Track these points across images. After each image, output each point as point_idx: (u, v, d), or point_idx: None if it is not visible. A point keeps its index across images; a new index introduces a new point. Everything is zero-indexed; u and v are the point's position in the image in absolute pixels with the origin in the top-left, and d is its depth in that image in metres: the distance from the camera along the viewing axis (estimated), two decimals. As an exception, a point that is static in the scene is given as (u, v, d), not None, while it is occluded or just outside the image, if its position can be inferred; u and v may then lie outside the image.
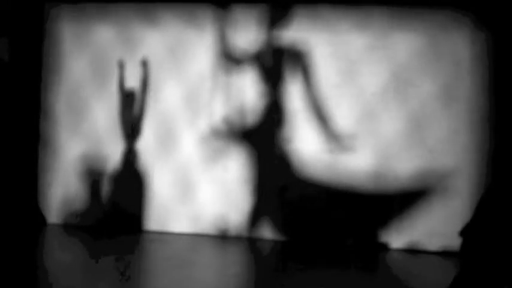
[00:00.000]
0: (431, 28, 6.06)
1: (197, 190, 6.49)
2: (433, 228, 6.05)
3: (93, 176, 6.63)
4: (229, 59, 6.37)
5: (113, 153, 6.61)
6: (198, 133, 6.45)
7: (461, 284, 4.35)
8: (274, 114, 6.29)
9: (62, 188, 6.72)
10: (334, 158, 6.20)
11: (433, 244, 6.07)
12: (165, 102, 6.54)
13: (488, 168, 5.95)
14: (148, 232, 6.51)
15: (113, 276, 4.84)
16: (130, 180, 6.58)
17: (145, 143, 6.57)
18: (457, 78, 6.03)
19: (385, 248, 6.12)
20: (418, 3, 6.05)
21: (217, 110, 6.41)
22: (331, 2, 6.19)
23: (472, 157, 6.02)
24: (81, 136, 6.69)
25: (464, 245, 5.79)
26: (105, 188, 6.63)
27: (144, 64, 6.53)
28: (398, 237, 6.13)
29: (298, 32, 6.26)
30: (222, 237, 6.37)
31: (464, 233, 5.77)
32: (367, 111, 6.18)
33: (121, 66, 6.58)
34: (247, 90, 6.35)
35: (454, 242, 5.85)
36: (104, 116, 6.65)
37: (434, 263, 5.73)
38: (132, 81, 6.57)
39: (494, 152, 5.96)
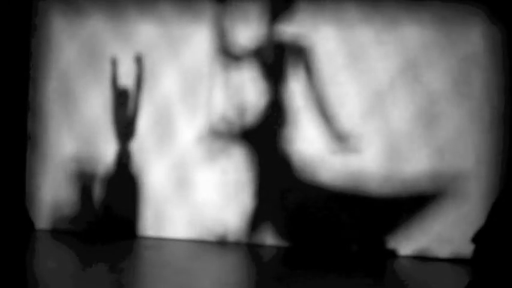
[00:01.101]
0: (441, 21, 5.97)
1: (195, 193, 6.41)
2: (443, 234, 5.98)
3: (84, 178, 6.57)
4: (229, 55, 6.31)
5: (106, 155, 6.54)
6: (195, 133, 6.39)
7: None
8: (275, 113, 6.23)
9: (52, 191, 6.65)
10: (338, 159, 6.13)
11: (444, 250, 6.00)
12: (161, 100, 6.46)
13: (502, 171, 5.89)
14: (144, 238, 6.44)
15: (104, 284, 4.80)
16: (124, 182, 6.52)
17: (140, 144, 6.51)
18: (469, 75, 5.94)
19: (392, 254, 6.06)
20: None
21: (216, 109, 6.35)
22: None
23: (485, 158, 5.93)
24: (72, 136, 6.61)
25: (476, 251, 5.65)
26: (98, 191, 6.57)
27: (139, 60, 6.47)
28: (406, 244, 6.05)
29: (300, 27, 6.18)
30: (221, 243, 6.31)
31: (477, 239, 5.63)
32: (373, 109, 6.10)
33: (114, 62, 6.52)
34: (247, 88, 6.29)
35: (465, 248, 5.88)
36: (96, 115, 6.57)
37: (444, 271, 5.67)
38: (126, 78, 6.51)
39: (508, 153, 5.88)
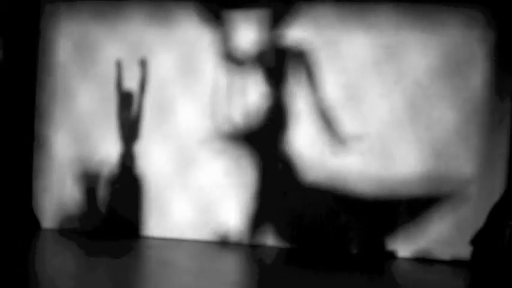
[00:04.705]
0: (440, 26, 5.95)
1: (197, 194, 6.40)
2: (442, 236, 5.95)
3: (89, 179, 6.56)
4: (232, 60, 6.30)
5: (110, 156, 6.54)
6: (198, 135, 6.38)
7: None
8: (277, 116, 6.22)
9: (57, 191, 6.66)
10: (339, 162, 6.10)
11: (443, 253, 5.96)
12: (166, 104, 6.46)
13: (502, 174, 5.84)
14: (147, 238, 6.44)
15: (107, 283, 4.80)
16: (128, 184, 6.52)
17: (144, 146, 6.50)
18: (468, 79, 5.91)
19: (392, 256, 6.03)
20: (426, 0, 5.94)
21: (218, 112, 6.33)
22: (336, 1, 6.12)
23: (484, 162, 5.91)
24: (77, 138, 6.62)
25: (475, 254, 5.66)
26: (102, 192, 6.56)
27: (143, 64, 6.47)
28: (406, 246, 6.03)
29: (302, 32, 6.16)
30: (222, 244, 6.30)
31: (476, 241, 5.65)
32: (373, 114, 6.07)
33: (119, 66, 6.52)
34: (250, 92, 6.27)
35: (464, 250, 5.80)
36: (101, 117, 6.57)
37: (444, 273, 5.62)
38: (131, 82, 6.50)
39: (508, 157, 5.85)
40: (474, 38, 5.87)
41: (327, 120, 6.12)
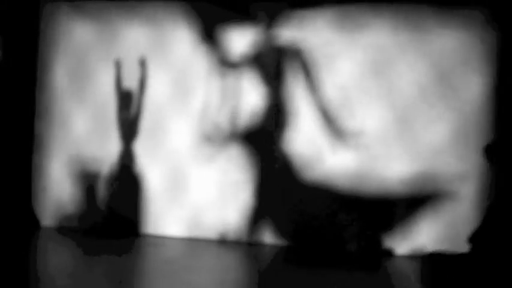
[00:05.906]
0: (437, 26, 5.97)
1: (196, 193, 6.43)
2: (439, 234, 5.98)
3: (88, 178, 6.58)
4: (229, 60, 6.31)
5: (109, 155, 6.56)
6: (197, 135, 6.41)
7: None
8: (276, 116, 6.24)
9: (57, 190, 6.67)
10: (337, 160, 6.11)
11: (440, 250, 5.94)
12: (163, 104, 6.48)
13: (498, 172, 5.82)
14: (146, 236, 6.45)
15: (106, 281, 4.80)
16: (126, 182, 6.54)
17: (142, 144, 6.52)
18: (465, 79, 5.94)
19: (389, 254, 6.06)
20: (424, 0, 5.97)
21: (216, 112, 6.35)
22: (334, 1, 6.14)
23: (480, 160, 5.90)
24: (76, 137, 6.63)
25: (473, 251, 5.67)
26: (101, 191, 6.58)
27: (142, 63, 6.49)
28: (403, 243, 6.05)
29: (299, 32, 6.18)
30: (222, 242, 6.32)
31: (473, 239, 5.66)
32: (372, 113, 6.09)
33: (118, 65, 6.54)
34: (249, 92, 6.30)
35: (461, 248, 5.80)
36: (100, 117, 6.58)
37: None
38: (128, 81, 6.52)
39: (505, 155, 5.84)
40: (472, 37, 5.89)
41: (326, 118, 6.13)
